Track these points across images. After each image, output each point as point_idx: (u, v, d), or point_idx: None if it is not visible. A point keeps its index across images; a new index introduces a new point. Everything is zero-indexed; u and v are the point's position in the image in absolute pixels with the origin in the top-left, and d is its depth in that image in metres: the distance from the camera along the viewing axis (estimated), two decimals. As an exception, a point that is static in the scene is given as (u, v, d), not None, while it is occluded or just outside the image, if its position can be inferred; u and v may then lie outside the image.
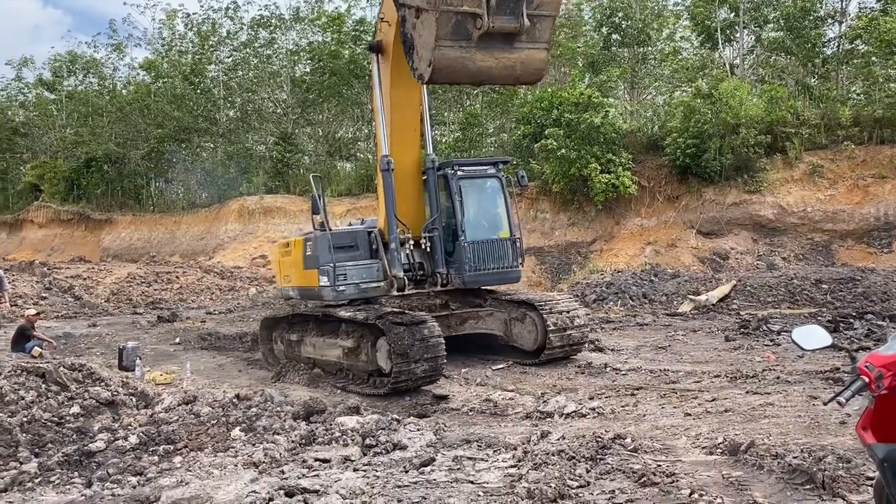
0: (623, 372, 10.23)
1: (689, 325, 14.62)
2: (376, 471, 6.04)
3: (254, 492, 4.90)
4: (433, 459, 5.87)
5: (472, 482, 5.21)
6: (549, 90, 28.03)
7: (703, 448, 5.58)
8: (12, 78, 51.72)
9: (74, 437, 8.35)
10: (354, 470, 6.19)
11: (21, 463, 7.53)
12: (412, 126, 11.54)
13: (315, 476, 6.15)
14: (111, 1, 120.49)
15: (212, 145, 42.38)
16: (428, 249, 11.31)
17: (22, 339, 13.32)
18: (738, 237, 24.32)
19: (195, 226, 37.54)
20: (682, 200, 25.84)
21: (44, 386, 9.41)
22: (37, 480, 7.12)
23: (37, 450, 7.96)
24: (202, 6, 57.04)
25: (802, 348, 3.53)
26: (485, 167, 12.40)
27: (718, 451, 5.44)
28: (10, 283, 14.41)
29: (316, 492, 5.33)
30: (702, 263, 23.37)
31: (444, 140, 35.45)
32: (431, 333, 9.82)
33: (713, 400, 7.43)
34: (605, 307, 18.22)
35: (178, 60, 44.40)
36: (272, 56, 41.70)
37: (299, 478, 6.13)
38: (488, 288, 12.12)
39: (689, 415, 6.83)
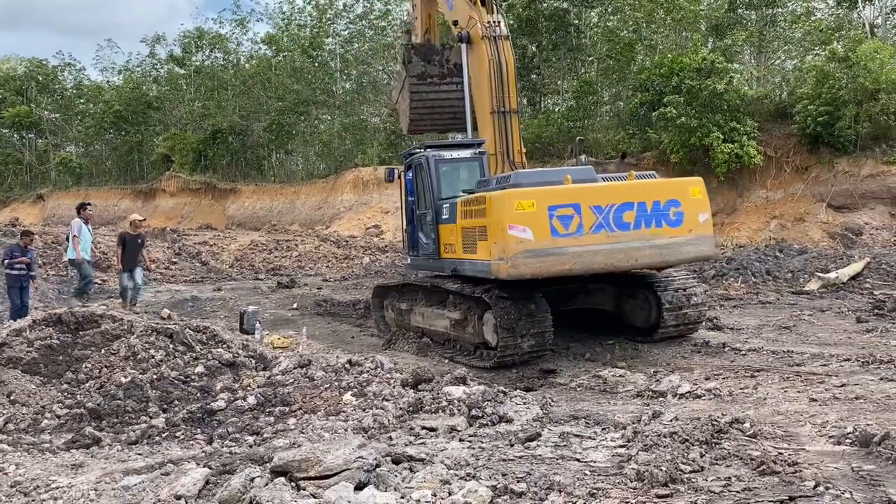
0: (742, 352, 9.71)
1: (816, 305, 13.73)
2: (482, 442, 6.02)
3: (361, 457, 4.97)
4: (539, 434, 5.79)
5: (578, 460, 5.09)
6: (669, 56, 26.87)
7: (831, 437, 5.18)
8: (147, 55, 54.90)
9: (198, 395, 8.79)
10: (460, 440, 6.19)
11: (151, 417, 8.02)
12: None
13: (421, 444, 6.20)
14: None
15: (329, 117, 43.44)
16: None
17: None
18: (873, 211, 22.66)
19: (313, 196, 38.72)
20: (812, 172, 24.30)
21: (171, 346, 9.95)
22: (164, 435, 7.56)
23: (164, 406, 8.43)
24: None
25: None
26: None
27: (847, 441, 5.03)
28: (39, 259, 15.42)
29: (422, 460, 5.35)
30: (832, 239, 21.96)
31: (556, 109, 34.75)
32: (538, 308, 9.65)
33: (842, 386, 6.90)
34: (724, 284, 17.41)
35: (297, 34, 45.59)
36: (387, 28, 42.11)
37: (406, 445, 6.20)
38: None
39: (815, 400, 6.38)
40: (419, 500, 4.43)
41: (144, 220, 17.13)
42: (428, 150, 11.96)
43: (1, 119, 56.56)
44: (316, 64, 43.31)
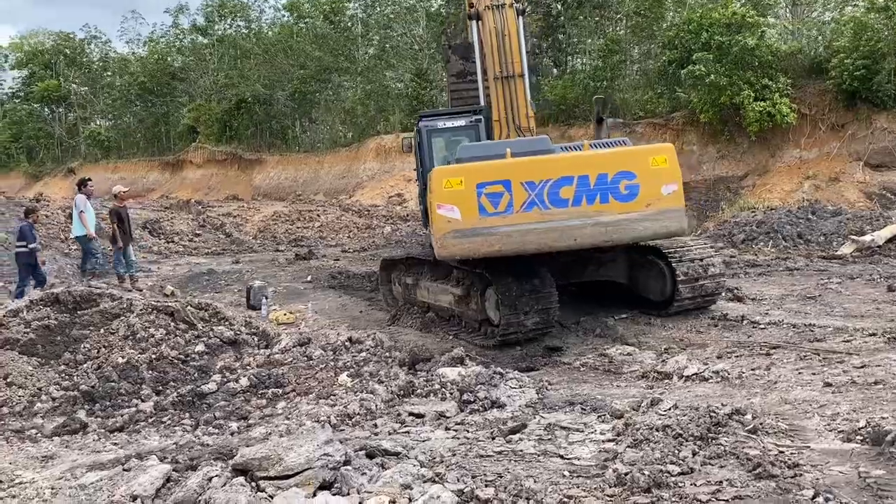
0: (761, 326, 9.14)
1: (846, 271, 12.99)
2: (467, 431, 5.68)
3: (326, 454, 4.63)
4: (525, 426, 5.40)
5: (561, 457, 4.69)
6: (699, 11, 25.75)
7: (840, 432, 4.64)
8: (170, 25, 54.70)
9: (196, 375, 8.58)
10: (446, 429, 5.87)
11: (142, 401, 7.82)
12: None
13: (405, 433, 5.89)
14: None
15: (352, 84, 42.92)
16: None
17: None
18: (914, 170, 21.58)
19: (337, 165, 38.36)
20: (849, 129, 23.15)
21: (172, 324, 9.73)
22: (150, 420, 7.35)
23: (159, 387, 8.23)
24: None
25: None
26: None
27: (858, 438, 4.49)
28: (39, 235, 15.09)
29: (397, 454, 5.02)
30: (869, 200, 20.94)
31: (583, 69, 33.75)
32: (543, 284, 9.18)
33: (862, 366, 6.31)
34: (753, 248, 16.72)
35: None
36: (409, -10, 41.32)
37: (388, 434, 5.90)
38: None
39: (829, 385, 5.83)
40: (376, 510, 4.09)
41: (128, 190, 17.05)
42: (422, 119, 11.57)
43: (31, 93, 57.08)
44: (338, 30, 42.68)
